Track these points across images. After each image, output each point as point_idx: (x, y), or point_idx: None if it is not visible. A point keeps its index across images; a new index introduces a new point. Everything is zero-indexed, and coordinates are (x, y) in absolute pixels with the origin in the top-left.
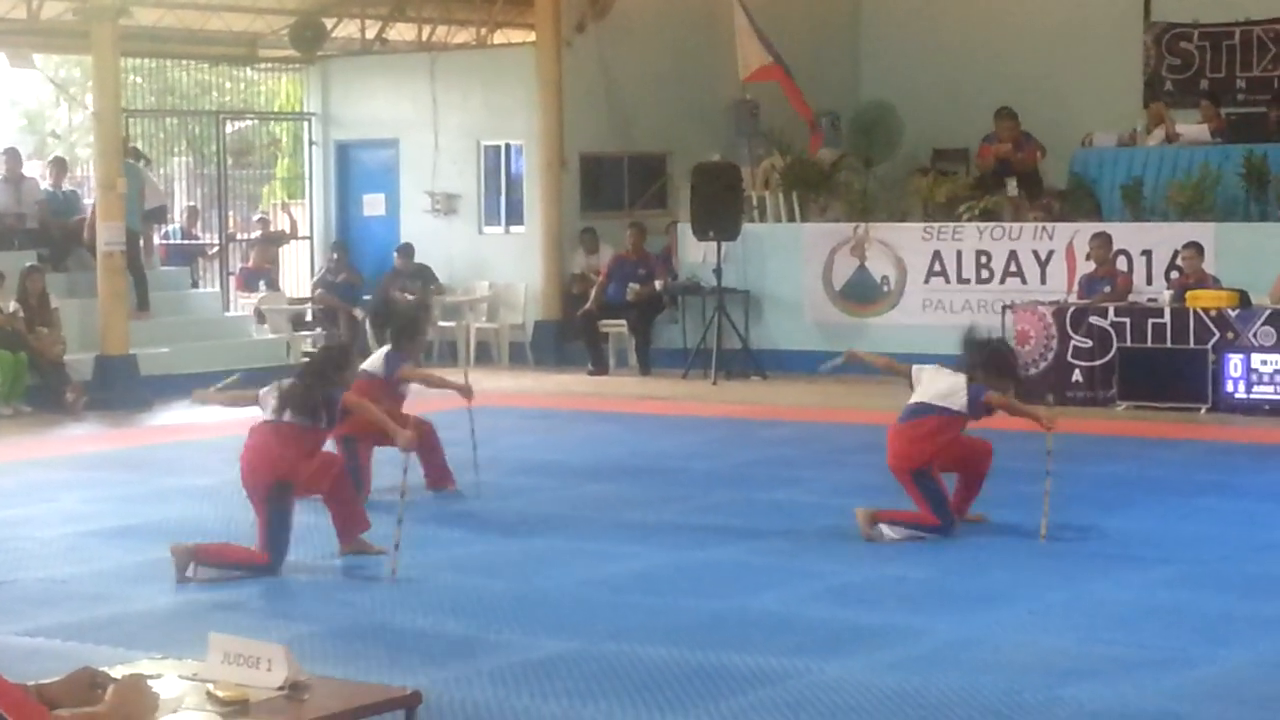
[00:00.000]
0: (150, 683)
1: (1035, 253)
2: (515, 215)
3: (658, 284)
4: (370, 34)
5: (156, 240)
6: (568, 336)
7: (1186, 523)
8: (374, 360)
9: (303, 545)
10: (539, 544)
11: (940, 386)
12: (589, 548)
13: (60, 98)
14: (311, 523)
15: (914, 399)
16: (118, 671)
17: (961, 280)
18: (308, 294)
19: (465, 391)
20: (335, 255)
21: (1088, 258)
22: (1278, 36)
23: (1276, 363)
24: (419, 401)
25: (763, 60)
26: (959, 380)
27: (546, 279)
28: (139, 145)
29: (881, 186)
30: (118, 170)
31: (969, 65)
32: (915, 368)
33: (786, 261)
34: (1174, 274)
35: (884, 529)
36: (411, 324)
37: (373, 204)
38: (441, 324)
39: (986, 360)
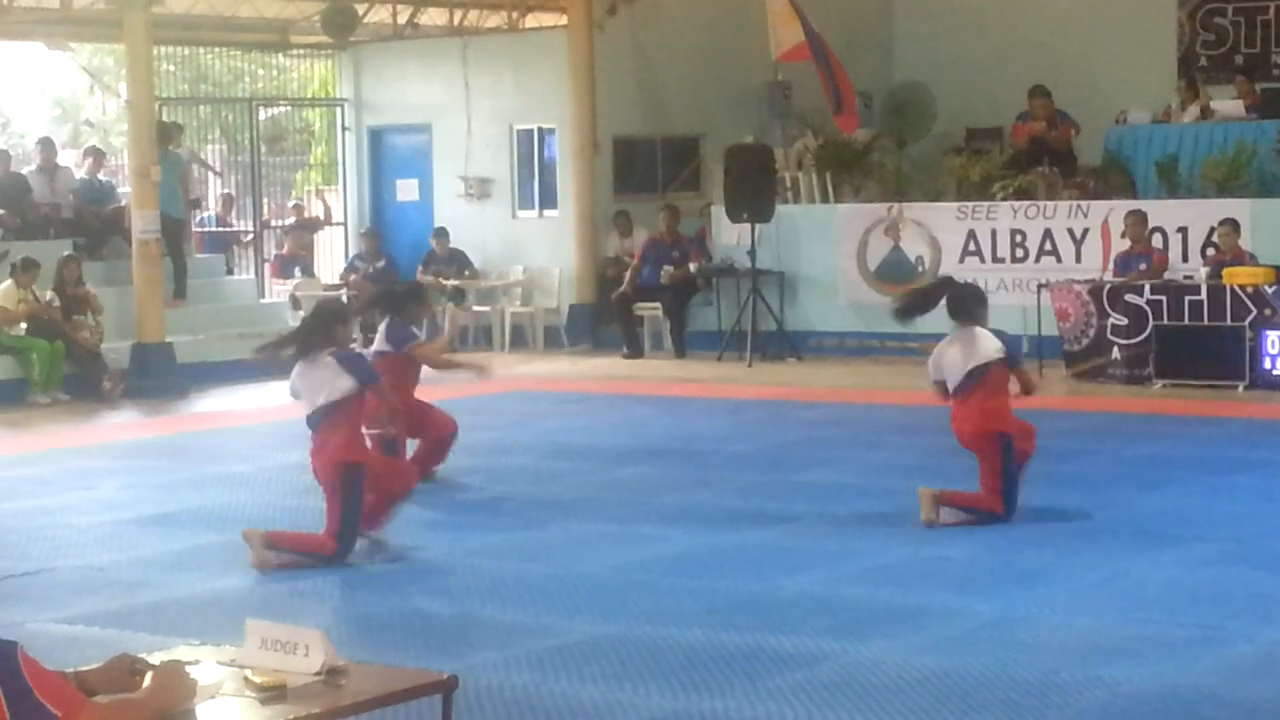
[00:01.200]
0: (188, 669)
1: (1070, 231)
2: (549, 199)
3: (692, 266)
4: (402, 19)
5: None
6: (602, 320)
7: (1224, 500)
8: (379, 339)
9: None
10: (575, 527)
11: (978, 347)
12: (625, 531)
13: (94, 86)
14: None
15: (964, 370)
16: (156, 658)
17: (997, 259)
18: (340, 280)
19: (483, 371)
20: (366, 243)
21: (1123, 235)
22: None
23: None
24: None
25: (796, 39)
26: (983, 332)
27: (580, 262)
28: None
29: (915, 166)
30: (152, 158)
31: (1002, 44)
32: (933, 360)
33: (821, 243)
34: (1210, 251)
35: (944, 512)
36: (411, 291)
37: (406, 189)
38: (476, 309)
39: (964, 298)
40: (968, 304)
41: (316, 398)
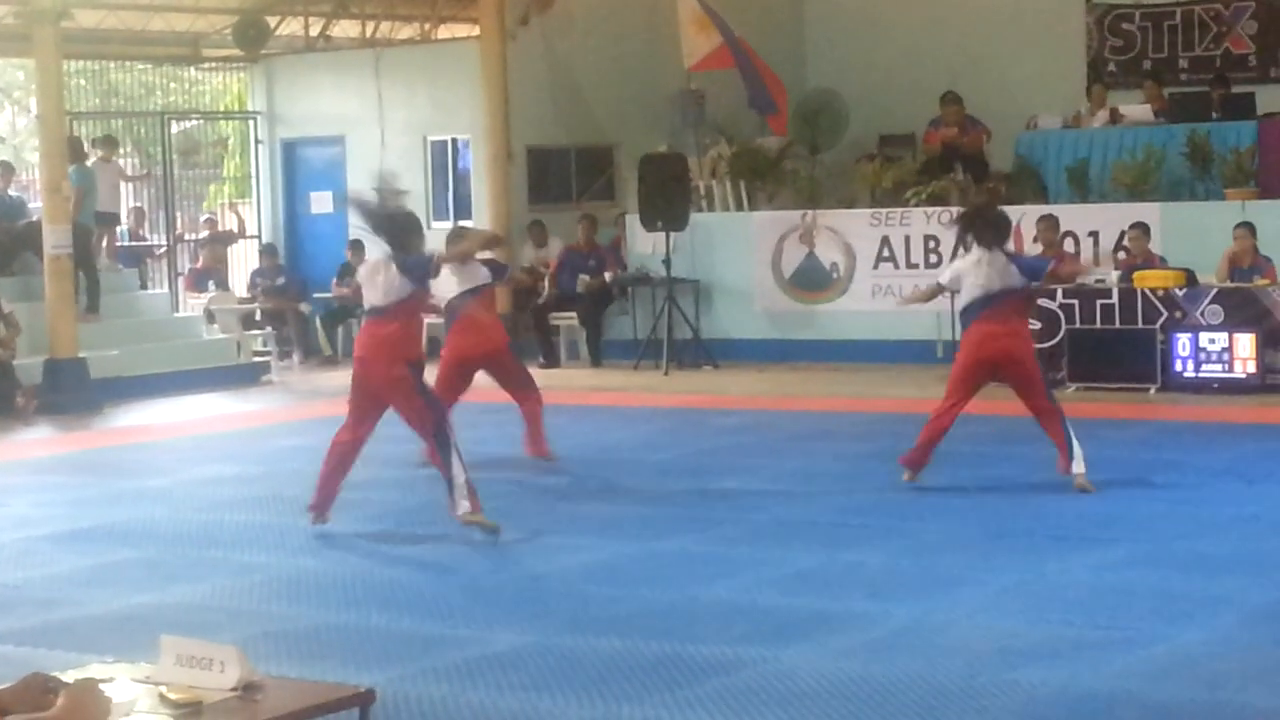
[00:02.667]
0: (102, 687)
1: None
2: (463, 209)
3: (607, 275)
4: (314, 31)
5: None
6: (518, 330)
7: (1137, 503)
8: (390, 286)
9: (253, 547)
10: (492, 539)
11: (991, 269)
12: (542, 540)
13: (4, 101)
14: (262, 523)
15: (979, 293)
16: (70, 676)
17: (910, 265)
18: (248, 294)
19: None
20: (264, 260)
21: (1035, 240)
22: (1218, 15)
23: (1223, 341)
24: None
25: (711, 46)
26: (995, 256)
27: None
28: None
29: (828, 173)
30: (63, 173)
31: (913, 51)
32: (948, 274)
33: (735, 250)
34: (1121, 254)
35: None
36: (406, 220)
37: (320, 201)
38: None
39: (986, 218)
40: (1001, 230)
41: (376, 297)
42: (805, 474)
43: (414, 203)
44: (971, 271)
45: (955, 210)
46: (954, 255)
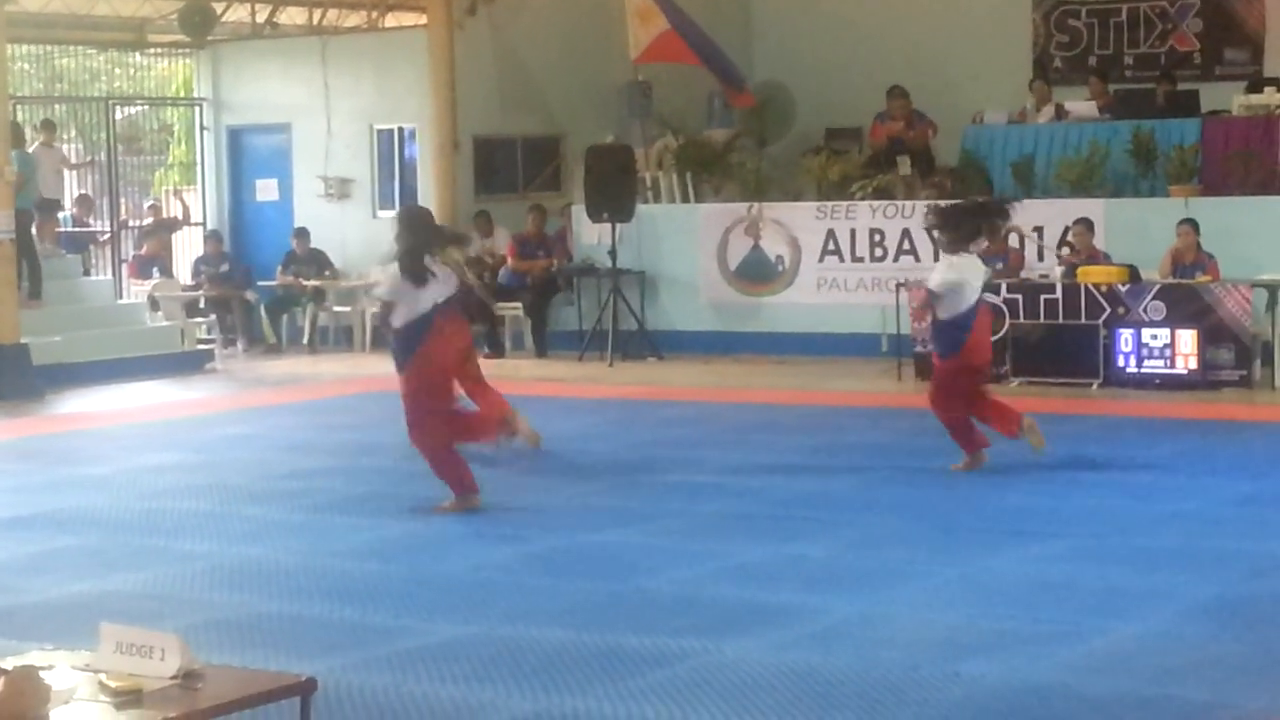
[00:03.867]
0: (42, 674)
1: (928, 230)
2: (409, 199)
3: (553, 265)
4: (260, 18)
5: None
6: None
7: (1078, 497)
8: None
9: (195, 535)
10: (434, 527)
11: (980, 270)
12: (485, 531)
13: None
14: (204, 510)
15: (977, 296)
16: (8, 663)
17: (855, 259)
18: (194, 282)
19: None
20: (209, 246)
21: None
22: (1164, 13)
23: (1166, 337)
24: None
25: (657, 32)
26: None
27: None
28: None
29: (775, 166)
30: (6, 158)
31: (860, 44)
32: (946, 279)
33: (681, 242)
34: (1065, 250)
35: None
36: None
37: (265, 189)
38: (337, 309)
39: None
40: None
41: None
42: (749, 466)
43: (360, 191)
44: (974, 274)
45: (946, 203)
46: (950, 252)
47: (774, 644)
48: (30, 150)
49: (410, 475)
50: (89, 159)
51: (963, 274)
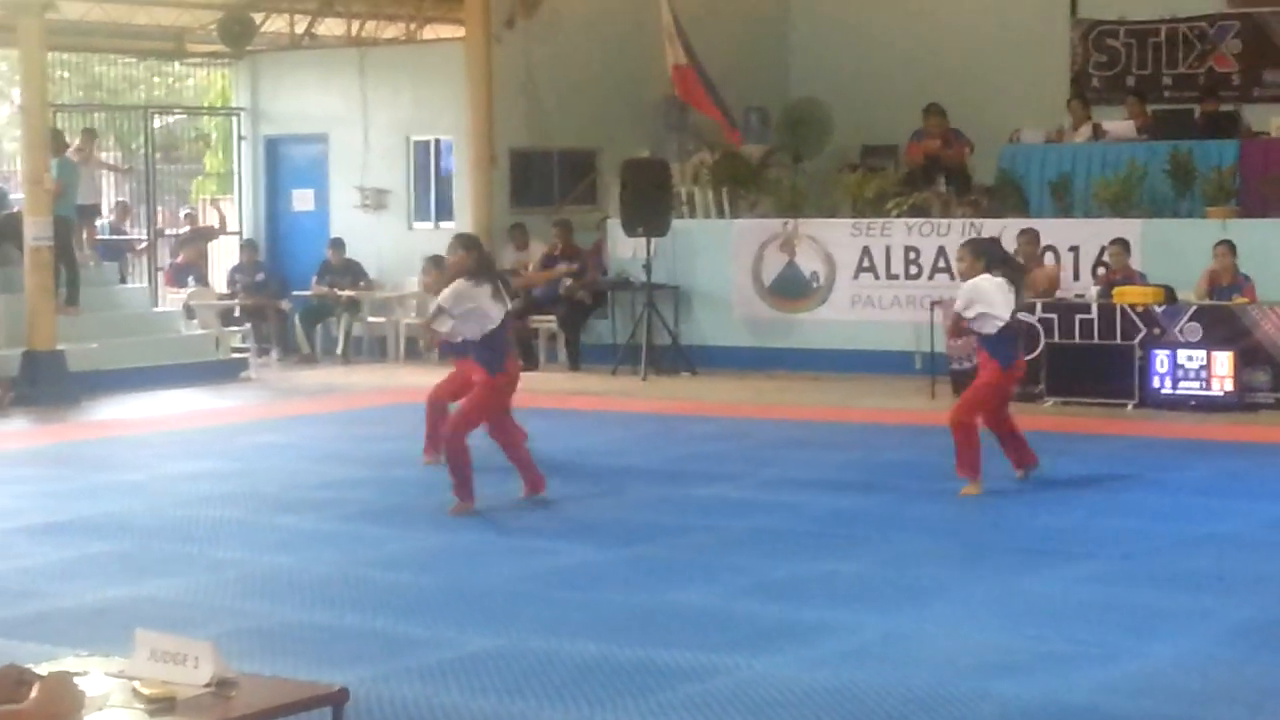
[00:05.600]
0: (76, 680)
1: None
2: (445, 211)
3: (567, 280)
4: (299, 29)
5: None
6: None
7: (1113, 518)
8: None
9: (228, 543)
10: (468, 539)
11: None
12: (518, 544)
13: None
14: (238, 519)
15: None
16: (43, 669)
17: (890, 276)
18: (228, 290)
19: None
20: (244, 255)
21: (1016, 253)
22: (1203, 33)
23: (1201, 359)
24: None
25: (678, 60)
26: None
27: None
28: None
29: (811, 182)
30: (45, 165)
31: (898, 62)
32: (978, 307)
33: (716, 257)
34: (1101, 270)
35: None
36: None
37: (302, 199)
38: (371, 320)
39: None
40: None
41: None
42: (782, 482)
43: (395, 203)
44: (1003, 301)
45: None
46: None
47: (805, 660)
48: (70, 157)
49: (443, 486)
50: (126, 166)
51: (990, 300)
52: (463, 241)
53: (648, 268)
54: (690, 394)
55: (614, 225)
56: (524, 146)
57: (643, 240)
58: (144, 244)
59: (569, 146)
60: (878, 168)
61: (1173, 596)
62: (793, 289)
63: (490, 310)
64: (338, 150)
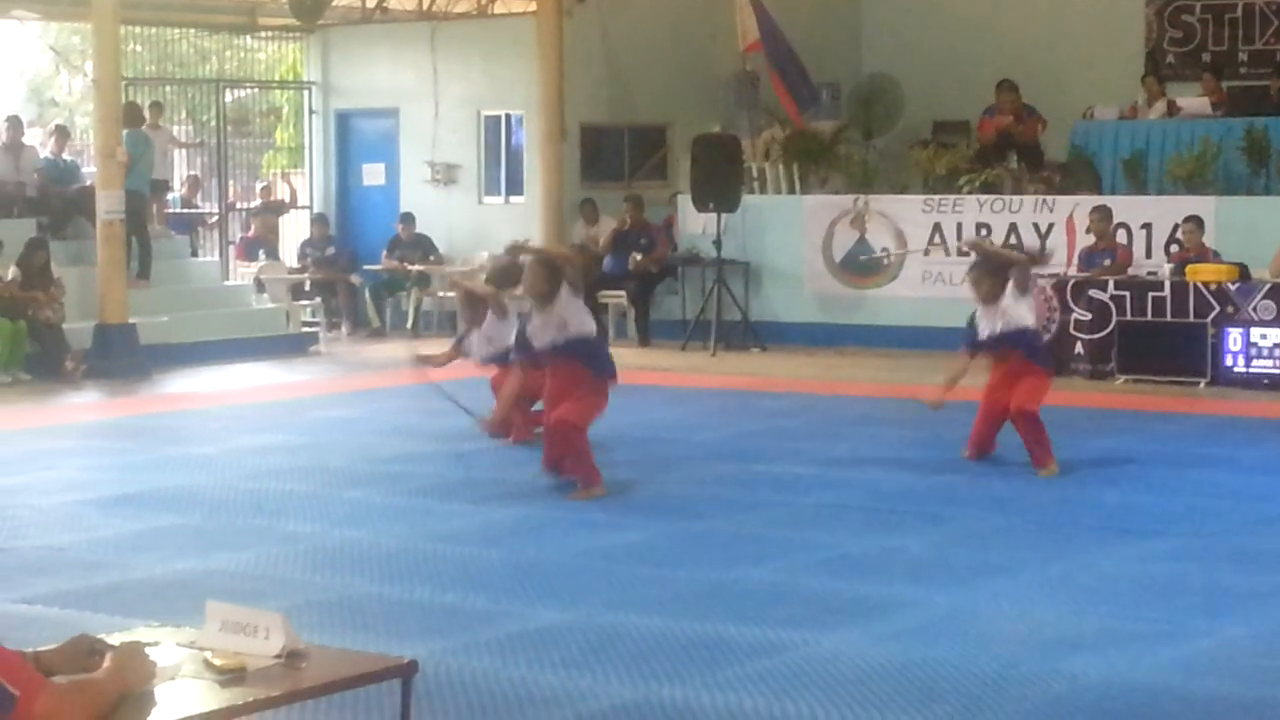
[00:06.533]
0: (148, 650)
1: (1035, 225)
2: (515, 185)
3: (638, 255)
4: (371, 2)
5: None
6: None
7: (1184, 496)
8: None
9: (298, 516)
10: (537, 514)
11: None
12: (587, 518)
13: (60, 65)
14: (307, 492)
15: None
16: (115, 639)
17: (961, 252)
18: (298, 265)
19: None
20: (315, 230)
21: (1088, 231)
22: None
23: (1275, 337)
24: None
25: (754, 35)
26: None
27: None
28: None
29: (882, 158)
30: (117, 138)
31: (970, 37)
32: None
33: (786, 233)
34: (1174, 247)
35: None
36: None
37: (372, 174)
38: (441, 295)
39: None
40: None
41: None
42: (851, 459)
43: (466, 177)
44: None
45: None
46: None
47: (873, 636)
48: (144, 130)
49: (512, 461)
50: (198, 140)
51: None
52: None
53: (718, 243)
54: (759, 370)
55: (684, 200)
56: (595, 121)
57: (713, 216)
58: (215, 218)
59: (640, 121)
60: (949, 144)
61: (1245, 575)
62: (863, 265)
63: (586, 319)
64: (408, 125)
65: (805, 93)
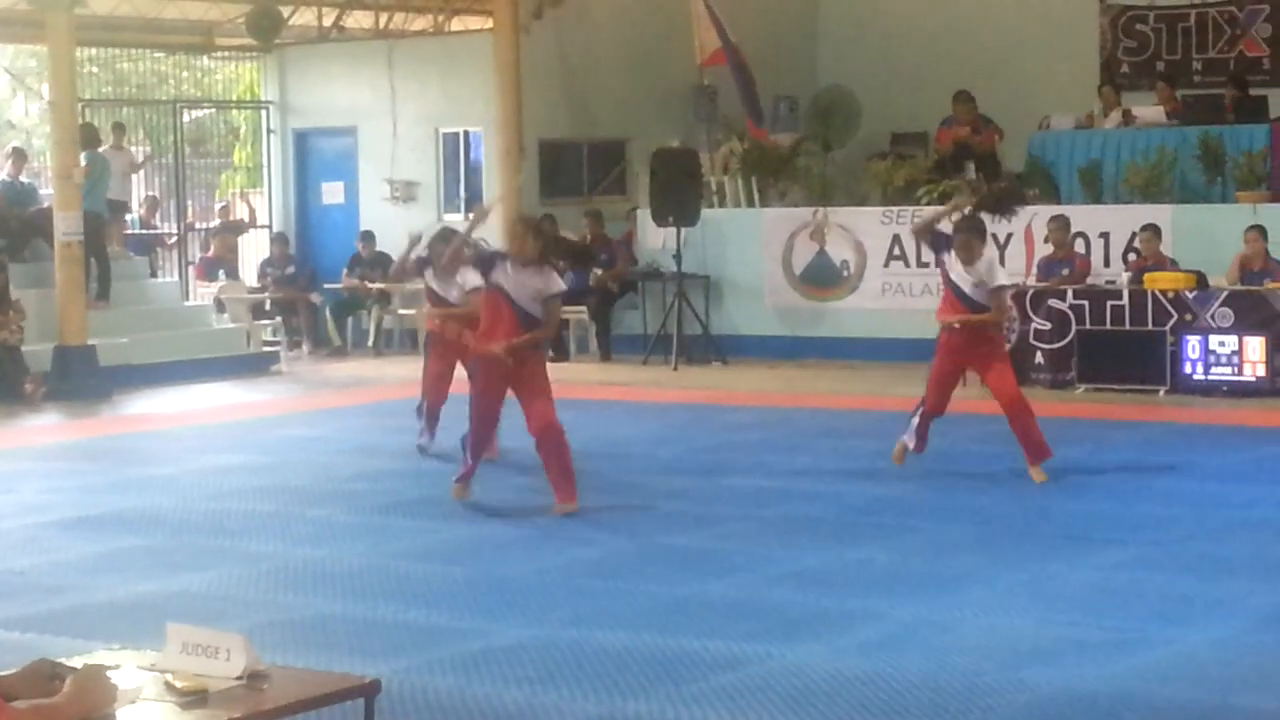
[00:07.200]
0: (109, 673)
1: (994, 235)
2: (475, 202)
3: (598, 270)
4: (327, 21)
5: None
6: None
7: (1144, 504)
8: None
9: (260, 536)
10: (499, 530)
11: None
12: (549, 534)
13: (16, 88)
14: (269, 512)
15: None
16: (76, 662)
17: (921, 264)
18: (259, 284)
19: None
20: (275, 248)
21: (1046, 240)
22: (1233, 18)
23: (1233, 344)
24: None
25: (716, 45)
26: None
27: None
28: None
29: (840, 171)
30: (75, 160)
31: (927, 49)
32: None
33: (746, 246)
34: (1132, 256)
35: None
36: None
37: (332, 192)
38: (401, 312)
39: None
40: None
41: None
42: (814, 471)
43: (425, 194)
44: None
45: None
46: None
47: (838, 649)
48: (101, 152)
49: (477, 477)
50: (155, 159)
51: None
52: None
53: (678, 257)
54: (721, 383)
55: (644, 215)
56: (553, 137)
57: (673, 230)
58: (174, 238)
59: (598, 137)
60: (907, 155)
61: (1205, 583)
62: (824, 277)
63: None
64: (367, 143)
65: (757, 109)
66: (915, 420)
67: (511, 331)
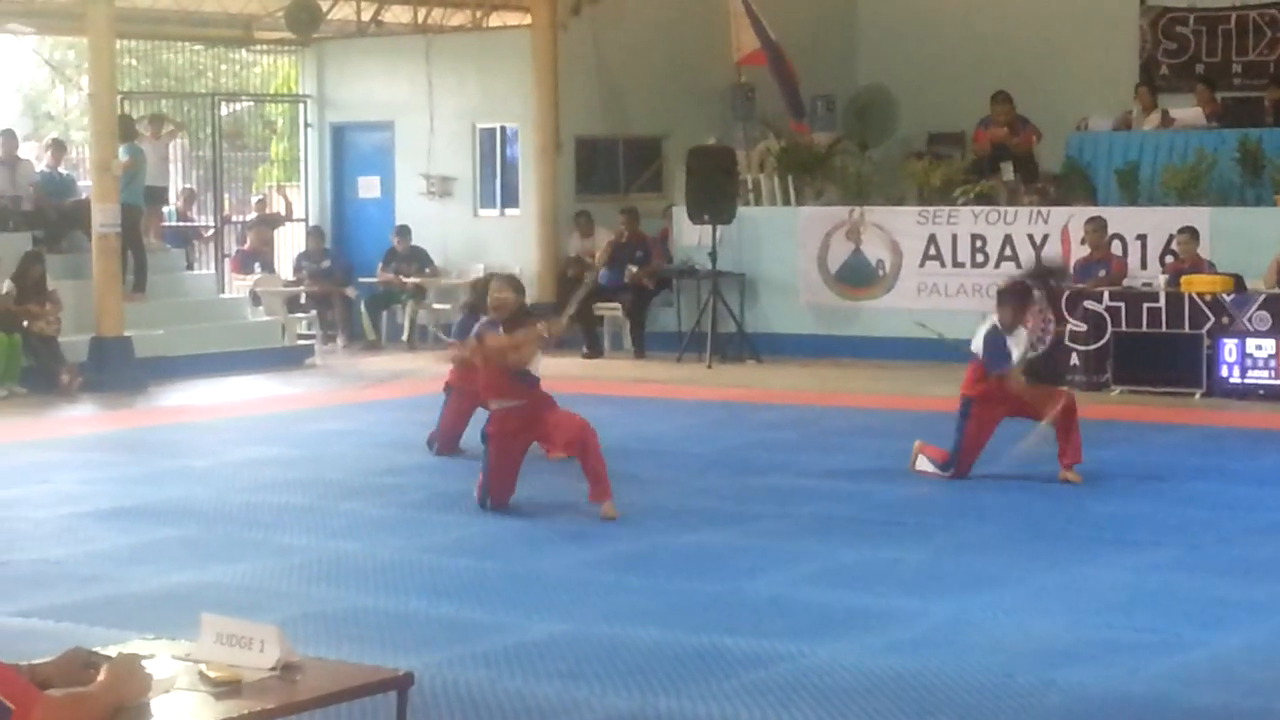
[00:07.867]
0: (143, 663)
1: (1030, 236)
2: (510, 198)
3: (633, 267)
4: (366, 16)
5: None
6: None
7: (1180, 507)
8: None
9: (294, 529)
10: (532, 525)
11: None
12: (582, 530)
13: (56, 80)
14: (303, 505)
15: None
16: (110, 652)
17: (956, 264)
18: (295, 277)
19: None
20: (311, 242)
21: (1083, 242)
22: (1273, 20)
23: (1270, 348)
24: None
25: (753, 44)
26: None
27: (541, 262)
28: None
29: (877, 170)
30: (113, 152)
31: (965, 49)
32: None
33: (781, 245)
34: (1169, 258)
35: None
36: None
37: (368, 186)
38: (437, 306)
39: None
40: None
41: None
42: (847, 470)
43: (461, 190)
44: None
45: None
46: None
47: (869, 648)
48: (139, 144)
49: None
50: (194, 152)
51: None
52: (512, 284)
53: (713, 255)
54: (755, 381)
55: (679, 212)
56: (590, 134)
57: (708, 227)
58: (210, 231)
59: (635, 134)
60: (944, 155)
61: (1240, 586)
62: (859, 276)
63: None
64: (403, 137)
65: (798, 104)
66: (932, 470)
67: (508, 388)
